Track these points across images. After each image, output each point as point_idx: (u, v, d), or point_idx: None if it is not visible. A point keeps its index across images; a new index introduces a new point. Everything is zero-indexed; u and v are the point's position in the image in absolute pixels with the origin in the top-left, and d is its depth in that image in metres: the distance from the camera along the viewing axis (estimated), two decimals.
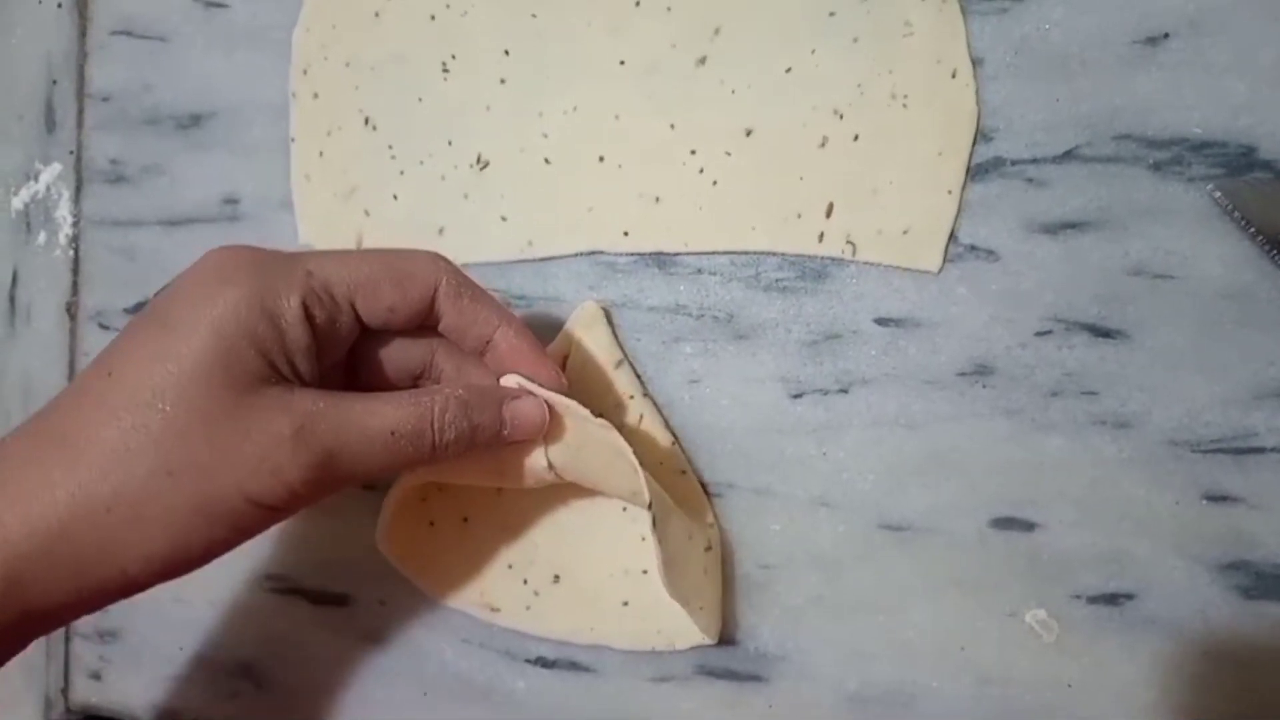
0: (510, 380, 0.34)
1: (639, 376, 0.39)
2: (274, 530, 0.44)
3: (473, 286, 0.34)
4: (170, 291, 0.31)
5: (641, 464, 0.33)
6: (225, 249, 0.32)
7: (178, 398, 0.29)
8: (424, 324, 0.34)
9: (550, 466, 0.34)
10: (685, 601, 0.35)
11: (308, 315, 0.31)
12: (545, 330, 0.40)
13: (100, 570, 0.29)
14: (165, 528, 0.29)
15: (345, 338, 0.33)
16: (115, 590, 0.30)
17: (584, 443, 0.34)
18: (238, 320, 0.30)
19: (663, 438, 0.38)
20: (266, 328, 0.30)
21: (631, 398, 0.38)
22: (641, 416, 0.38)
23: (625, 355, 0.39)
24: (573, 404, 0.34)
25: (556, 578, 0.39)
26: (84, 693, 0.49)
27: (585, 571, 0.39)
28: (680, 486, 0.38)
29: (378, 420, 0.31)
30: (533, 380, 0.34)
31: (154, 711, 0.47)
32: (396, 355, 0.35)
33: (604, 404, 0.38)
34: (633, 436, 0.37)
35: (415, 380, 0.36)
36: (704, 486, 0.38)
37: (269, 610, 0.44)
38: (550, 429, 0.34)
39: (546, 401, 0.34)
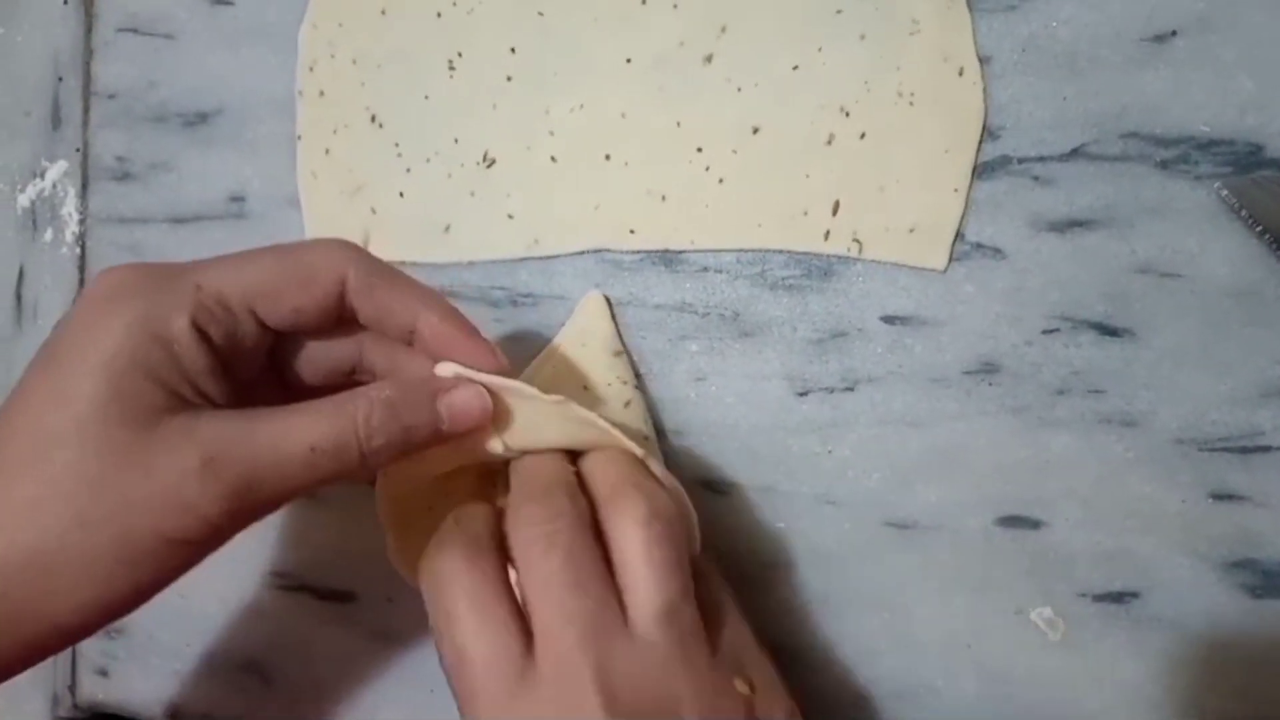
0: (445, 369, 0.32)
1: (635, 370, 0.39)
2: (280, 527, 0.44)
3: (386, 274, 0.32)
4: (59, 328, 0.29)
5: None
6: (112, 271, 0.30)
7: (78, 444, 0.27)
8: (342, 318, 0.32)
9: (507, 449, 0.32)
10: None
11: (201, 333, 0.29)
12: (551, 329, 0.40)
13: (32, 626, 0.28)
14: (89, 578, 0.27)
15: (254, 347, 0.31)
16: (54, 643, 0.29)
17: (541, 422, 0.32)
18: (126, 352, 0.28)
19: (639, 427, 0.38)
20: (158, 354, 0.28)
21: (625, 383, 0.38)
22: (628, 403, 0.38)
23: (625, 347, 0.39)
24: (517, 384, 0.32)
25: None
26: (91, 689, 0.49)
27: None
28: None
29: (294, 437, 0.28)
30: (469, 365, 0.31)
31: (161, 708, 0.47)
32: (320, 354, 0.33)
33: (595, 388, 0.38)
34: (611, 419, 0.37)
35: (348, 377, 0.34)
36: (708, 486, 0.38)
37: (276, 607, 0.45)
38: (498, 414, 0.32)
39: (488, 387, 0.31)
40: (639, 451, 0.32)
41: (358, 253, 0.32)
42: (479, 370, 0.31)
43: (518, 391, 0.32)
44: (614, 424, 0.32)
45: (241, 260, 0.31)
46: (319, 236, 0.43)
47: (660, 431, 0.39)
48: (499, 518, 0.31)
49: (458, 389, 0.31)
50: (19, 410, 0.28)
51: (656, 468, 0.33)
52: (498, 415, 0.32)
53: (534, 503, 0.29)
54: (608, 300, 0.40)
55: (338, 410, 0.29)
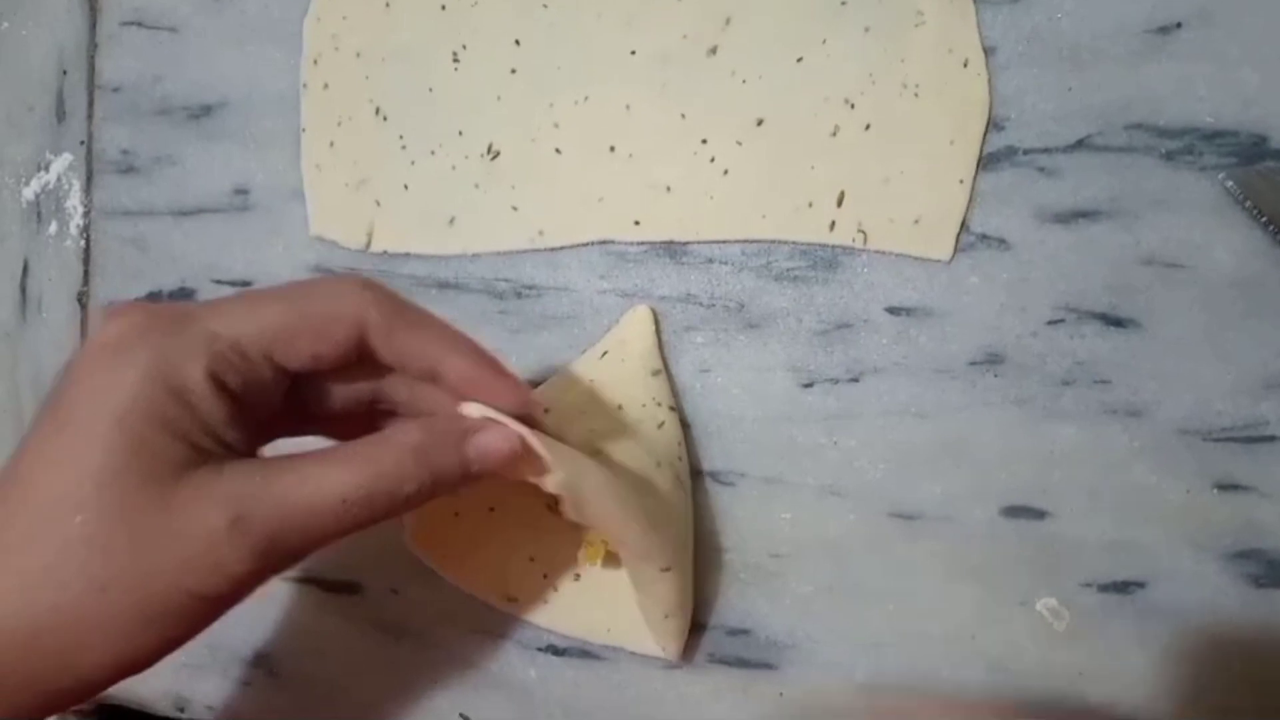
0: (472, 409, 0.31)
1: (674, 390, 0.39)
2: None
3: (408, 316, 0.30)
4: (66, 380, 0.28)
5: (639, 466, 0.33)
6: (118, 315, 0.28)
7: (95, 507, 0.26)
8: (363, 357, 0.30)
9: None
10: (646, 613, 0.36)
11: (219, 383, 0.28)
12: (556, 321, 0.40)
13: (56, 683, 0.27)
14: (111, 639, 0.26)
15: (274, 389, 0.30)
16: (79, 695, 0.28)
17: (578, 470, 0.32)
18: (140, 407, 0.26)
19: (670, 449, 0.37)
20: (175, 408, 0.27)
21: (659, 404, 0.38)
22: (662, 424, 0.38)
23: (665, 366, 0.39)
24: (541, 436, 0.31)
25: (578, 576, 0.39)
26: None
27: (608, 573, 0.38)
28: (666, 498, 0.37)
29: (325, 490, 0.27)
30: (496, 406, 0.31)
31: (167, 699, 0.47)
32: (340, 388, 0.32)
33: (630, 408, 0.37)
34: (641, 440, 0.37)
35: (369, 405, 0.32)
36: (715, 477, 0.38)
37: (282, 599, 0.45)
38: (525, 455, 0.31)
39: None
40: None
41: (377, 293, 0.30)
42: (506, 408, 0.31)
43: (547, 444, 0.31)
44: (647, 441, 0.34)
45: (256, 303, 0.29)
46: (325, 230, 0.43)
47: None
48: None
49: (486, 431, 0.30)
50: (28, 471, 0.27)
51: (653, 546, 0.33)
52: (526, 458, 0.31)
53: None
54: (655, 315, 0.39)
55: (367, 460, 0.28)
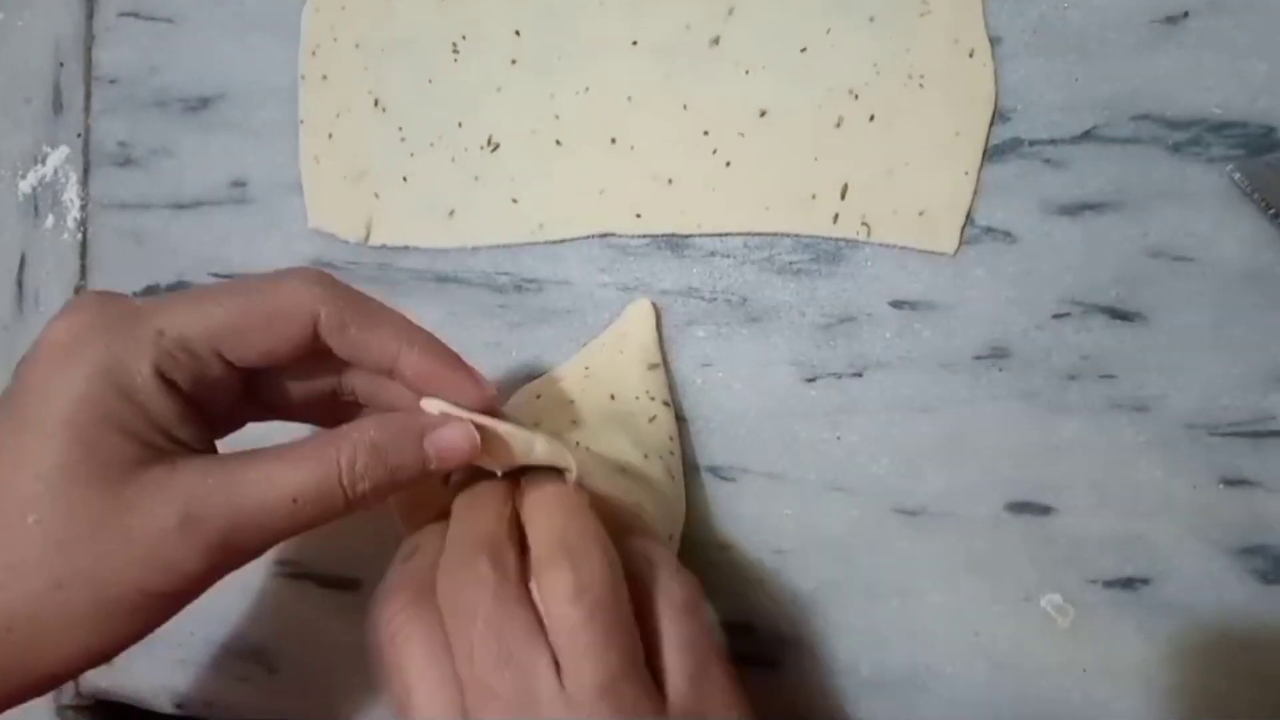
0: (431, 404, 0.30)
1: (670, 385, 0.38)
2: None
3: (362, 312, 0.30)
4: (19, 380, 0.28)
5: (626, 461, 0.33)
6: (71, 312, 0.28)
7: (48, 506, 0.26)
8: (317, 351, 0.30)
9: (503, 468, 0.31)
10: None
11: (167, 381, 0.28)
12: (556, 315, 0.40)
13: (22, 677, 0.27)
14: (71, 634, 0.27)
15: (226, 385, 0.29)
16: (41, 688, 0.28)
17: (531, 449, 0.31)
18: (89, 407, 0.26)
19: (661, 443, 0.37)
20: (123, 407, 0.27)
21: (653, 399, 0.37)
22: (653, 418, 0.37)
23: (664, 361, 0.38)
24: (504, 425, 0.30)
25: None
26: (94, 678, 0.49)
27: None
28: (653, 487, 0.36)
29: (277, 487, 0.27)
30: (455, 401, 0.30)
31: (165, 696, 0.47)
32: (298, 382, 0.31)
33: (623, 399, 0.37)
34: (629, 430, 0.36)
35: (330, 398, 0.32)
36: (717, 472, 0.38)
37: (280, 595, 0.44)
38: (487, 448, 0.30)
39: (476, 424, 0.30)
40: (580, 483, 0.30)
41: (329, 288, 0.30)
42: (465, 403, 0.30)
43: (505, 431, 0.30)
44: (638, 434, 0.33)
45: (206, 299, 0.29)
46: (323, 222, 0.43)
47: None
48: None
49: (445, 427, 0.29)
50: None
51: (637, 487, 0.32)
52: (487, 448, 0.30)
53: (455, 568, 0.27)
54: (656, 310, 0.39)
55: (320, 456, 0.28)
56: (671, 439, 0.38)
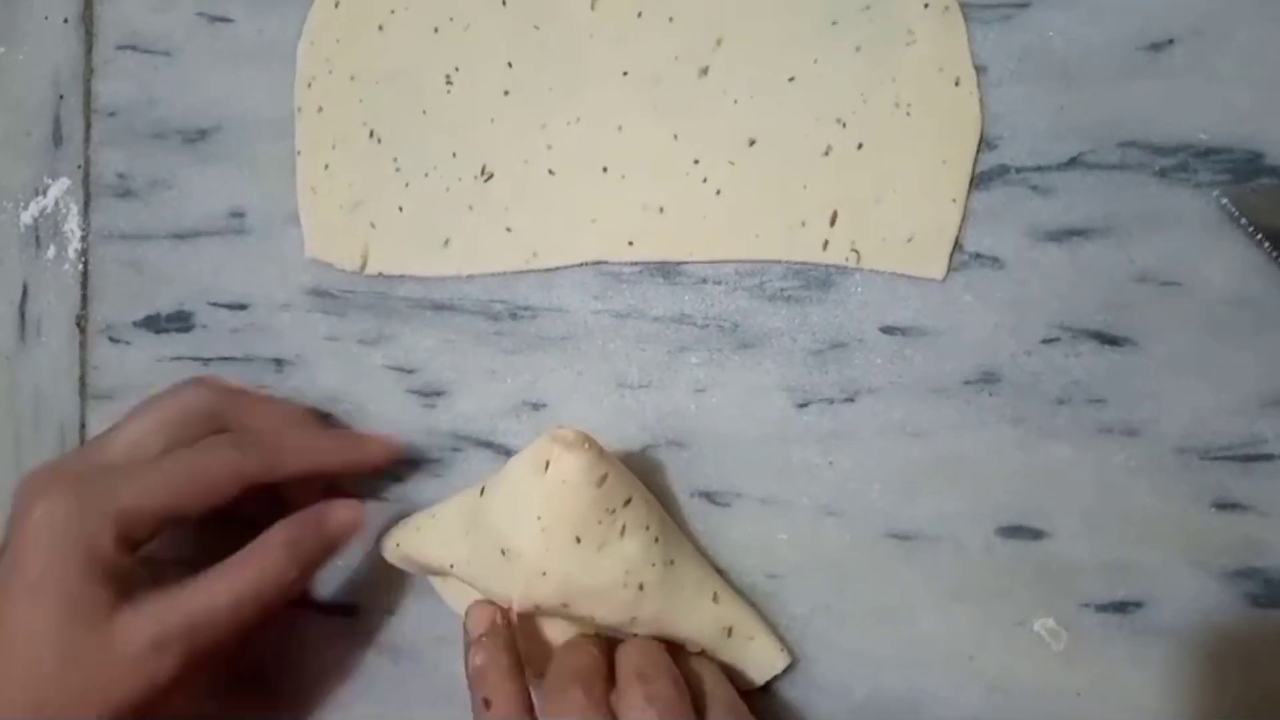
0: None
1: (627, 480, 0.35)
2: None
3: (287, 457, 0.38)
4: (10, 557, 0.34)
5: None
6: (40, 497, 0.34)
7: (48, 651, 0.33)
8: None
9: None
10: None
11: (129, 542, 0.35)
12: (551, 342, 0.40)
13: None
14: None
15: (183, 527, 0.36)
16: None
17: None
18: (70, 576, 0.33)
19: (640, 553, 0.35)
20: (97, 570, 0.34)
21: (611, 511, 0.34)
22: (624, 529, 0.34)
23: (608, 466, 0.34)
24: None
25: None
26: None
27: None
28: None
29: (219, 598, 0.34)
30: (360, 466, 0.40)
31: None
32: (248, 498, 0.37)
33: (588, 535, 0.34)
34: (606, 556, 0.34)
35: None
36: (710, 498, 0.38)
37: (278, 620, 0.44)
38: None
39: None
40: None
41: (248, 451, 0.37)
42: (379, 462, 0.41)
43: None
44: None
45: (149, 480, 0.35)
46: (320, 252, 0.43)
47: (660, 444, 0.39)
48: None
49: (333, 505, 0.38)
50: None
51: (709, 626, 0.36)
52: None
53: (553, 693, 0.33)
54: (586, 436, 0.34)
55: (248, 565, 0.35)
56: (659, 522, 0.36)
